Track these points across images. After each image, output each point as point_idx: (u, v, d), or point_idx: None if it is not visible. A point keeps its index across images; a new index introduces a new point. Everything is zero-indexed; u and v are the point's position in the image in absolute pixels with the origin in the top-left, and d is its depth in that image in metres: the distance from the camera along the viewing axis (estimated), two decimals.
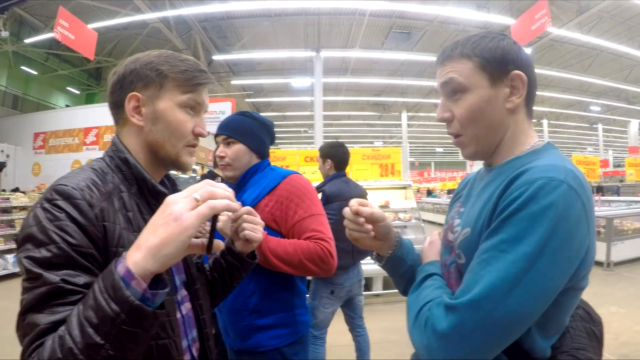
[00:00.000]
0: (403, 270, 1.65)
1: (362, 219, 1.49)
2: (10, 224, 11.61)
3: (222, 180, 2.71)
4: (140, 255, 0.99)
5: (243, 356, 2.48)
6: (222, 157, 2.59)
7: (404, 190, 10.88)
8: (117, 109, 1.42)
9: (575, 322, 1.37)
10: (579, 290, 1.28)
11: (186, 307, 1.51)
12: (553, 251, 1.09)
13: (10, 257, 10.79)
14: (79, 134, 14.75)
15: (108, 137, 13.95)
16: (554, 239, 1.09)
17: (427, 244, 1.65)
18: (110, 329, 0.94)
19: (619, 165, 42.02)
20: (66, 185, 1.16)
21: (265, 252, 2.27)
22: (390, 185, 10.82)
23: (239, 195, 2.56)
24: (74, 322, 0.96)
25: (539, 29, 12.50)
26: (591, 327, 1.40)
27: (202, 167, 18.01)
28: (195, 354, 1.51)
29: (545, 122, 36.76)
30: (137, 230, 1.14)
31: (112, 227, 1.20)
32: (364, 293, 4.95)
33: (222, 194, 1.10)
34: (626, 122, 35.65)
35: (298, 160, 10.87)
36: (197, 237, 1.25)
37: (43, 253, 1.06)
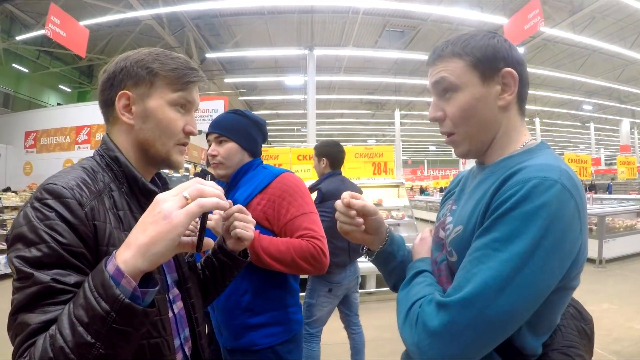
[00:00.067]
0: (393, 266, 1.66)
1: (353, 212, 1.49)
2: (1, 224, 11.50)
3: (213, 178, 2.70)
4: (130, 254, 0.99)
5: (236, 355, 2.48)
6: (214, 156, 2.58)
7: (397, 189, 10.88)
8: (108, 107, 1.42)
9: (566, 320, 1.38)
10: (571, 290, 1.29)
11: (178, 305, 1.50)
12: (546, 251, 1.09)
13: (2, 258, 10.67)
14: (71, 132, 14.64)
15: (100, 136, 13.74)
16: (547, 238, 1.09)
17: (418, 240, 1.65)
18: (100, 328, 0.94)
19: (610, 164, 42.20)
20: (56, 184, 1.16)
21: (257, 251, 2.27)
22: (383, 183, 10.81)
23: (231, 194, 2.56)
24: (64, 321, 0.96)
25: (531, 28, 12.53)
26: (582, 325, 1.41)
27: (195, 166, 17.99)
28: (187, 352, 1.50)
29: (537, 120, 36.89)
30: (128, 229, 1.14)
31: (103, 226, 1.20)
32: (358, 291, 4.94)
33: (211, 192, 1.09)
34: (618, 121, 35.87)
35: (291, 158, 10.87)
36: (187, 236, 1.24)
37: (33, 252, 1.06)
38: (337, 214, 1.54)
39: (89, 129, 14.32)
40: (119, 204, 1.32)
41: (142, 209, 1.08)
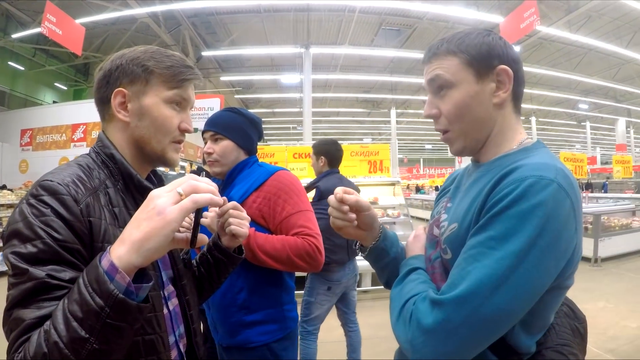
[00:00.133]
0: (386, 262, 1.66)
1: (346, 207, 1.49)
2: None
3: (208, 175, 2.70)
4: (124, 250, 1.00)
5: (232, 352, 2.48)
6: (209, 154, 2.58)
7: (393, 187, 10.90)
8: (103, 104, 1.42)
9: (560, 318, 1.38)
10: (565, 289, 1.29)
11: (173, 302, 1.51)
12: (541, 250, 1.09)
13: None
14: (67, 130, 14.61)
15: (96, 134, 13.66)
16: (543, 237, 1.09)
17: (412, 237, 1.65)
18: (94, 323, 0.94)
19: (606, 163, 42.25)
20: (52, 181, 1.16)
21: (253, 249, 2.27)
22: (379, 181, 10.84)
23: (226, 192, 2.56)
24: (59, 316, 0.96)
25: (527, 27, 12.54)
26: (575, 324, 1.41)
27: (191, 164, 17.96)
28: (182, 349, 1.51)
29: (533, 119, 36.93)
30: (123, 225, 1.14)
31: (98, 223, 1.20)
32: None
33: (205, 188, 1.10)
34: (614, 120, 35.84)
35: (287, 156, 10.88)
36: (182, 232, 1.25)
37: (29, 248, 1.06)
38: (329, 209, 1.54)
39: (84, 126, 14.30)
40: (114, 200, 1.32)
41: (138, 205, 1.09)
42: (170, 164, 1.49)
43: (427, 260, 1.50)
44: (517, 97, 1.43)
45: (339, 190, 1.50)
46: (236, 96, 29.95)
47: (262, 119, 2.77)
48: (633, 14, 17.53)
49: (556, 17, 16.99)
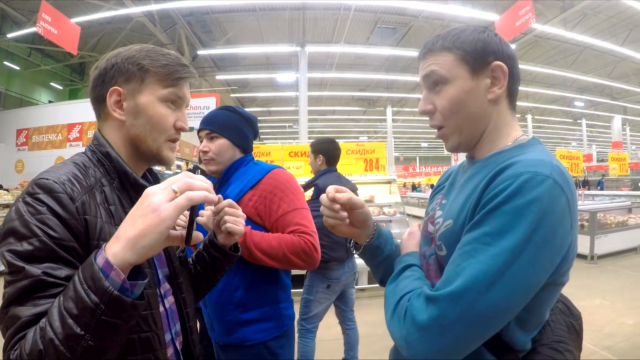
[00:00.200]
0: (380, 260, 1.65)
1: (337, 206, 1.49)
2: None
3: (204, 174, 2.71)
4: (119, 247, 1.00)
5: (229, 350, 2.48)
6: (205, 152, 2.59)
7: (389, 185, 10.89)
8: (99, 103, 1.42)
9: (555, 315, 1.38)
10: (560, 286, 1.28)
11: (169, 300, 1.51)
12: (536, 246, 1.09)
13: None
14: (62, 130, 14.56)
15: (91, 133, 13.54)
16: (538, 233, 1.09)
17: (407, 235, 1.65)
18: (90, 320, 0.95)
19: (602, 160, 42.37)
20: (47, 179, 1.17)
21: (249, 246, 2.28)
22: (375, 180, 10.85)
23: (222, 190, 2.57)
24: (54, 313, 0.97)
25: (523, 25, 12.54)
26: (571, 321, 1.41)
27: (187, 163, 17.95)
28: (178, 347, 1.51)
29: (529, 117, 36.92)
30: (119, 223, 1.14)
31: (94, 221, 1.20)
32: None
33: (200, 186, 1.10)
34: (610, 117, 35.85)
35: (283, 155, 10.88)
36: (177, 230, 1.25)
37: (25, 246, 1.07)
38: (321, 208, 1.54)
39: (80, 126, 14.26)
40: (110, 198, 1.32)
41: (133, 203, 1.09)
42: (165, 163, 1.49)
43: (422, 257, 1.50)
44: (512, 94, 1.43)
45: (330, 190, 1.49)
46: (232, 95, 29.95)
47: (258, 118, 2.77)
48: (628, 12, 17.57)
49: (551, 14, 16.99)
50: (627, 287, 8.52)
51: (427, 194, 28.69)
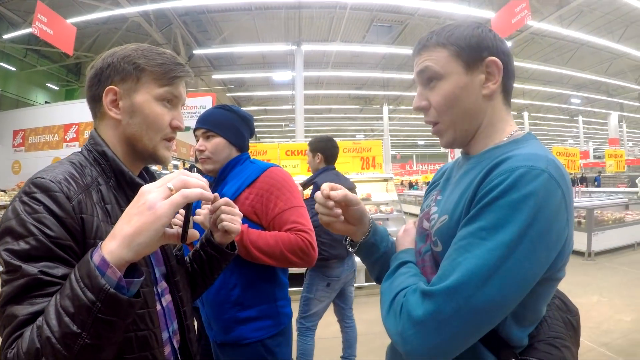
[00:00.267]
0: (376, 257, 1.66)
1: (331, 203, 1.50)
2: None
3: (200, 172, 2.71)
4: (115, 244, 1.01)
5: (226, 349, 2.49)
6: (201, 151, 2.59)
7: (386, 183, 10.90)
8: (95, 102, 1.42)
9: (552, 311, 1.37)
10: (556, 281, 1.29)
11: (166, 299, 1.51)
12: (532, 240, 1.09)
13: None
14: (59, 130, 14.50)
15: (88, 134, 13.48)
16: (534, 227, 1.08)
17: (402, 232, 1.64)
18: (86, 318, 0.95)
19: (599, 157, 42.38)
20: (44, 178, 1.17)
21: (246, 245, 2.29)
22: (372, 178, 10.86)
23: (219, 189, 2.57)
24: (51, 311, 0.97)
25: (518, 22, 12.52)
26: (568, 317, 1.40)
27: (184, 163, 17.94)
28: (175, 345, 1.52)
29: (526, 114, 36.92)
30: (115, 222, 1.14)
31: (90, 219, 1.21)
32: None
33: (195, 183, 1.11)
34: (606, 114, 35.91)
35: (279, 154, 10.86)
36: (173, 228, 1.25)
37: (22, 245, 1.07)
38: (316, 206, 1.54)
39: (77, 126, 14.22)
40: (106, 197, 1.33)
41: (130, 202, 1.09)
42: (161, 162, 1.49)
43: (417, 254, 1.50)
44: (507, 89, 1.43)
45: (325, 187, 1.50)
46: (228, 94, 29.90)
47: (255, 117, 2.78)
48: (624, 8, 17.61)
49: (547, 12, 17.01)
50: (624, 284, 8.51)
51: (424, 191, 28.78)
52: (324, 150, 4.78)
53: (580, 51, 22.75)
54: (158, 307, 1.41)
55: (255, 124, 2.78)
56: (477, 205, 1.18)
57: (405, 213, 10.29)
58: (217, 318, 2.48)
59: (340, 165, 10.30)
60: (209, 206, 1.68)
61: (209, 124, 2.59)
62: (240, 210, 1.71)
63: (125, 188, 1.42)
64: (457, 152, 1.63)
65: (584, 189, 18.33)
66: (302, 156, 10.58)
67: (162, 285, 1.51)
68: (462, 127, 1.41)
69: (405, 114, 38.22)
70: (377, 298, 1.39)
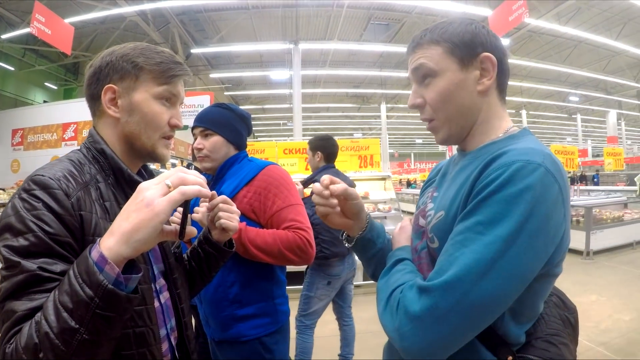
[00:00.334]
0: (372, 253, 1.66)
1: (327, 192, 1.50)
2: None
3: (198, 171, 2.71)
4: (114, 241, 1.01)
5: (224, 346, 2.49)
6: (199, 149, 2.60)
7: (383, 181, 10.90)
8: (94, 101, 1.43)
9: (549, 308, 1.37)
10: (553, 277, 1.27)
11: (165, 296, 1.52)
12: (529, 234, 1.08)
13: None
14: (58, 129, 14.49)
15: (86, 133, 13.46)
16: (531, 222, 1.08)
17: (398, 229, 1.65)
18: (84, 313, 0.96)
19: (597, 155, 42.37)
20: (43, 176, 1.18)
21: (244, 243, 2.29)
22: (370, 176, 10.85)
23: (217, 187, 2.58)
24: (50, 307, 0.98)
25: (516, 19, 12.50)
26: (566, 314, 1.40)
27: (182, 161, 17.94)
28: (173, 342, 1.52)
29: (524, 112, 36.86)
30: (114, 219, 1.15)
31: (89, 217, 1.21)
32: None
33: (193, 180, 1.12)
34: (605, 112, 35.84)
35: (277, 152, 10.85)
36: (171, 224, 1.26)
37: (21, 242, 1.08)
38: (313, 197, 1.55)
39: (75, 125, 14.20)
40: (105, 195, 1.34)
41: (128, 199, 1.10)
42: (160, 160, 1.50)
43: (414, 251, 1.50)
44: (501, 85, 1.43)
45: (325, 178, 1.50)
46: (226, 93, 29.89)
47: (252, 116, 2.78)
48: (622, 6, 17.59)
49: (545, 9, 16.99)
50: (623, 283, 8.50)
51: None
52: (324, 149, 4.79)
53: (578, 49, 22.73)
54: (156, 304, 1.42)
55: (253, 122, 2.78)
56: (474, 200, 1.17)
57: (403, 211, 10.30)
58: (214, 315, 2.49)
59: (338, 163, 10.26)
60: (207, 204, 1.69)
61: (206, 122, 2.60)
62: (238, 208, 1.72)
63: (124, 185, 1.43)
64: (455, 150, 1.63)
65: (582, 187, 18.31)
66: (300, 154, 10.59)
67: (161, 282, 1.52)
68: (458, 123, 1.42)
69: (403, 112, 38.19)
70: (375, 296, 1.39)
